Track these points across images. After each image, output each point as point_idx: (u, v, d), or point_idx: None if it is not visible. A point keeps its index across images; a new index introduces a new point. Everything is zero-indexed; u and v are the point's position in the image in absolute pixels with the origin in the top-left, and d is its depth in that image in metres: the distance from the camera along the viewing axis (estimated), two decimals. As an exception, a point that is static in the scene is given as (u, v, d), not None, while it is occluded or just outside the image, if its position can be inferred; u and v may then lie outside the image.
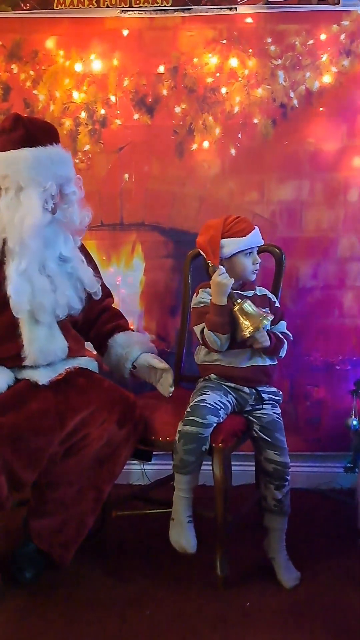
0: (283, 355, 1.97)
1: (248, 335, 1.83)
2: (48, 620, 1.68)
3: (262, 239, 2.00)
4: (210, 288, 1.93)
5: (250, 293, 1.97)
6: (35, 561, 1.78)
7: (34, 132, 1.79)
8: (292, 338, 2.00)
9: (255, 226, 1.97)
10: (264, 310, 1.91)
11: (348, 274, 2.50)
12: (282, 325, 1.99)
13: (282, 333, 1.97)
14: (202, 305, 1.96)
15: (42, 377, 1.79)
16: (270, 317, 1.86)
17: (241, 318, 1.83)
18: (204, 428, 1.78)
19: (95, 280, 1.94)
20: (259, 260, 1.97)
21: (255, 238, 1.95)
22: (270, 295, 2.04)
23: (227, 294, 1.86)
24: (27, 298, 1.75)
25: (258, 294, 2.00)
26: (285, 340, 1.95)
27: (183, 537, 1.77)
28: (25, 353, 1.77)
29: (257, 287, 2.03)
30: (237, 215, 2.00)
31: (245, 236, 1.93)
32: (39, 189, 1.77)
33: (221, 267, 1.89)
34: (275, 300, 2.04)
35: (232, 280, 1.87)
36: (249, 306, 1.84)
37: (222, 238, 1.93)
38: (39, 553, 1.77)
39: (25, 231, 1.74)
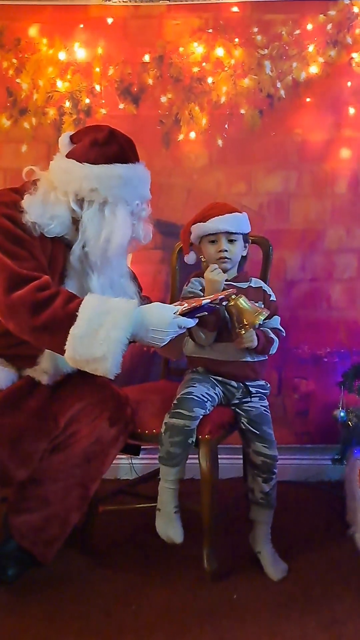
0: (274, 353, 1.95)
1: (244, 332, 1.79)
2: (31, 617, 1.65)
3: (249, 224, 1.96)
4: (201, 277, 1.91)
5: (244, 285, 1.95)
6: (17, 559, 1.74)
7: (126, 148, 1.77)
8: (284, 334, 1.98)
9: (231, 213, 1.91)
10: (258, 305, 1.86)
11: (336, 266, 2.49)
12: (276, 320, 1.96)
13: (275, 329, 1.95)
14: (190, 295, 1.93)
15: (46, 377, 1.76)
16: (266, 313, 1.81)
17: (237, 315, 1.79)
18: (190, 420, 1.76)
19: (139, 299, 1.91)
20: (224, 248, 1.90)
21: (216, 224, 1.89)
22: (266, 288, 2.01)
23: (220, 290, 1.81)
24: None
25: (253, 286, 1.97)
26: (275, 339, 1.92)
27: (170, 527, 1.76)
28: (40, 360, 1.74)
29: (252, 278, 2.01)
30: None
31: (206, 221, 1.90)
32: (127, 207, 1.75)
33: (213, 264, 1.85)
34: (271, 293, 2.01)
35: (225, 276, 1.83)
36: (244, 302, 1.79)
37: (194, 223, 1.92)
38: (21, 551, 1.74)
39: (112, 248, 1.72)
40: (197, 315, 1.70)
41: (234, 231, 1.90)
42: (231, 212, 1.92)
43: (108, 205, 1.72)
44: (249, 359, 1.91)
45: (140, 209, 1.81)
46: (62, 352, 1.61)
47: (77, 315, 1.59)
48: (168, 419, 1.78)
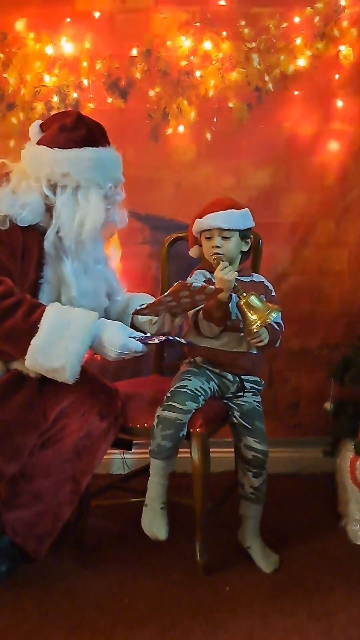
0: (277, 346, 1.95)
1: (256, 330, 1.78)
2: (23, 613, 1.65)
3: (251, 220, 1.95)
4: (205, 270, 1.92)
5: (246, 279, 1.95)
6: (9, 555, 1.73)
7: (95, 132, 1.78)
8: (284, 329, 1.97)
9: (227, 210, 1.91)
10: (268, 301, 1.86)
11: (325, 259, 2.50)
12: (277, 315, 1.95)
13: (276, 323, 1.94)
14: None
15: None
16: (278, 309, 1.80)
17: (248, 312, 1.78)
18: (183, 414, 1.76)
19: (120, 284, 1.93)
20: (217, 244, 1.89)
21: (209, 221, 1.90)
22: (268, 283, 2.01)
23: (231, 289, 1.80)
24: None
25: (255, 280, 1.98)
26: (280, 330, 1.93)
27: (155, 523, 1.76)
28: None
29: (254, 274, 2.01)
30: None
31: (202, 217, 1.92)
32: (100, 190, 1.75)
33: (223, 262, 1.83)
34: (272, 289, 2.01)
35: (236, 274, 1.81)
36: (255, 299, 1.78)
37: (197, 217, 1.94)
38: (13, 547, 1.73)
39: (85, 232, 1.73)
40: (149, 343, 1.72)
41: (226, 228, 1.89)
42: (227, 209, 1.91)
43: (81, 190, 1.74)
44: (249, 350, 1.90)
45: (114, 193, 1.82)
46: (23, 359, 1.65)
47: (38, 327, 1.62)
48: (160, 412, 1.78)
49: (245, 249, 1.97)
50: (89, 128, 1.78)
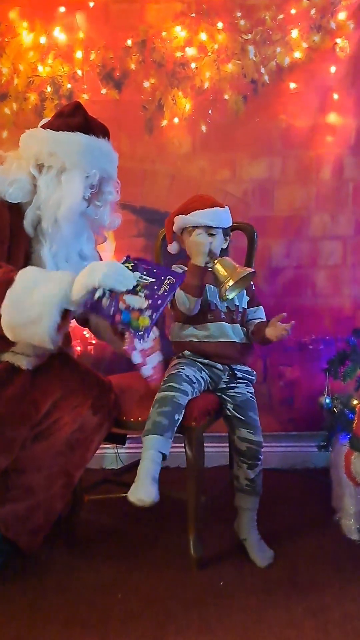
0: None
1: (229, 287, 1.79)
2: (15, 608, 1.63)
3: (231, 218, 1.98)
4: (185, 266, 1.92)
5: None
6: (1, 549, 1.72)
7: (92, 123, 1.79)
8: None
9: (212, 207, 1.92)
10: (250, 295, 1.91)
11: (320, 253, 2.49)
12: (261, 311, 1.97)
13: (260, 320, 1.96)
14: None
15: (25, 361, 1.73)
16: (250, 270, 1.81)
17: (220, 271, 1.81)
18: (180, 393, 1.75)
19: None
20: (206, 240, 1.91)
21: (196, 218, 1.92)
22: None
23: (206, 253, 1.84)
24: None
25: None
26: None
27: (142, 489, 1.61)
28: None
29: None
30: (208, 193, 2.01)
31: (187, 214, 1.93)
32: (83, 175, 1.74)
33: (198, 228, 1.89)
34: (252, 283, 2.01)
35: (209, 239, 1.86)
36: (228, 261, 1.82)
37: (177, 214, 1.95)
38: (5, 541, 1.71)
39: (61, 213, 1.72)
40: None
41: (213, 225, 1.92)
42: (212, 207, 1.94)
43: (65, 173, 1.73)
44: (232, 339, 1.91)
45: (105, 190, 1.80)
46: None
47: (14, 280, 1.57)
48: (158, 394, 1.76)
49: (224, 246, 2.00)
50: (85, 117, 1.78)
